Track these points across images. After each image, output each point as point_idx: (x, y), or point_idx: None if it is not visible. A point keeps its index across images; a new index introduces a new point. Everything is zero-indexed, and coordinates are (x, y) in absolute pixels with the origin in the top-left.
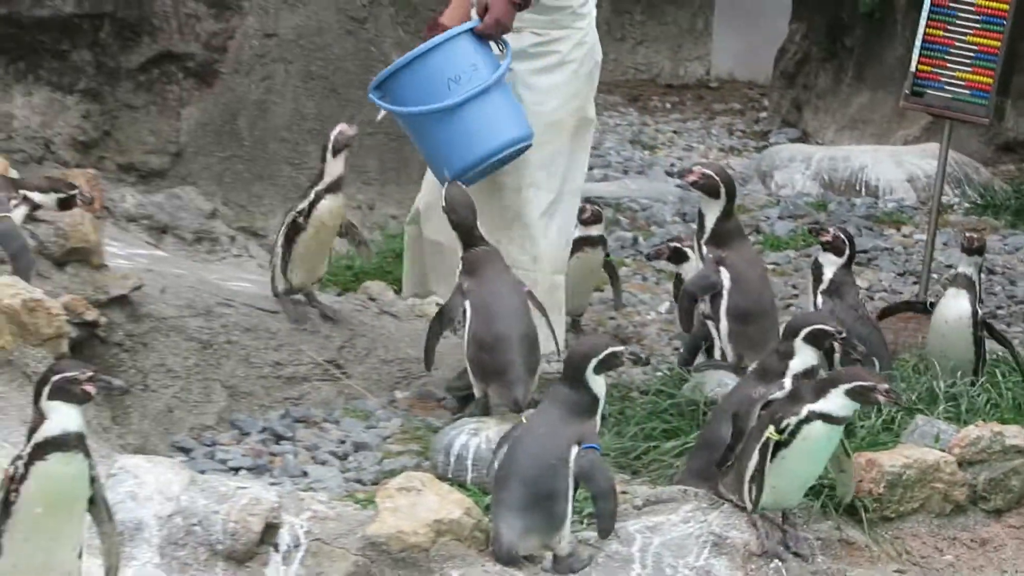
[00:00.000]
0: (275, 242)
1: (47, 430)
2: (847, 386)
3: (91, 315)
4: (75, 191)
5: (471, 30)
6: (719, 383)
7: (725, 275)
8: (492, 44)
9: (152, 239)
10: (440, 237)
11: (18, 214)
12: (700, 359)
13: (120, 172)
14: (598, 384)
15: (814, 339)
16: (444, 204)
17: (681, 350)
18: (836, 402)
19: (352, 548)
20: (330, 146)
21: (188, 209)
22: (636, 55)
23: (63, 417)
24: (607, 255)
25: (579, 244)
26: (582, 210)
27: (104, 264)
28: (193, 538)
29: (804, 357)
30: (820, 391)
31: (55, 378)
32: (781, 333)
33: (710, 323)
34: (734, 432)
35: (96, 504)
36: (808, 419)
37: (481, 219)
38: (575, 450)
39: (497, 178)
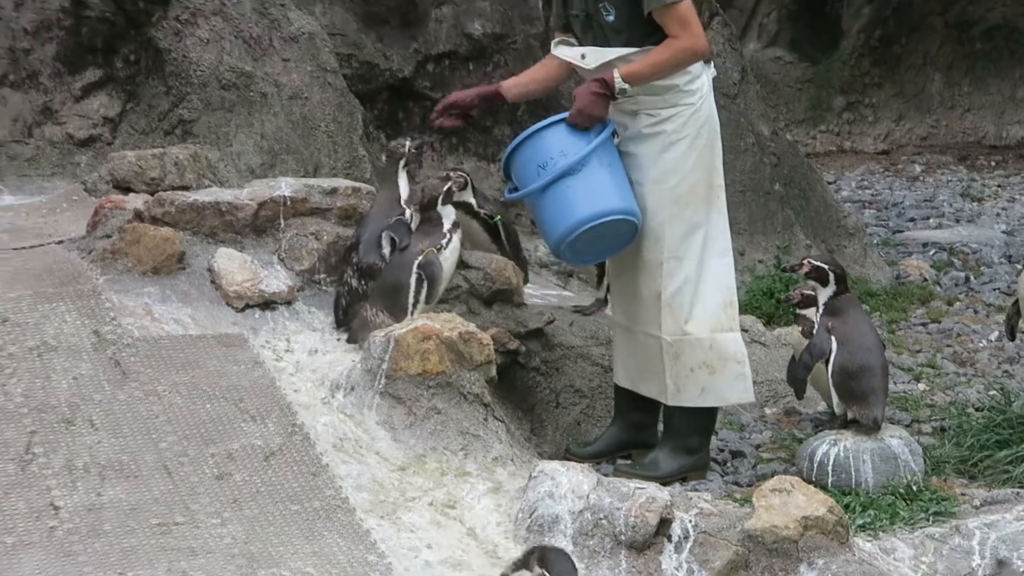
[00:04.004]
0: None
1: None
2: None
3: (513, 345)
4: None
5: (564, 120)
6: None
7: None
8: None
9: (560, 282)
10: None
11: (449, 251)
12: None
13: (533, 227)
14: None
15: None
16: (826, 262)
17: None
18: None
19: (733, 540)
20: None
21: None
22: (964, 121)
23: None
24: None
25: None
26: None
27: (523, 303)
28: (600, 530)
29: None
30: None
31: None
32: None
33: None
34: None
35: None
36: None
37: (630, 293)
38: None
39: (641, 255)
